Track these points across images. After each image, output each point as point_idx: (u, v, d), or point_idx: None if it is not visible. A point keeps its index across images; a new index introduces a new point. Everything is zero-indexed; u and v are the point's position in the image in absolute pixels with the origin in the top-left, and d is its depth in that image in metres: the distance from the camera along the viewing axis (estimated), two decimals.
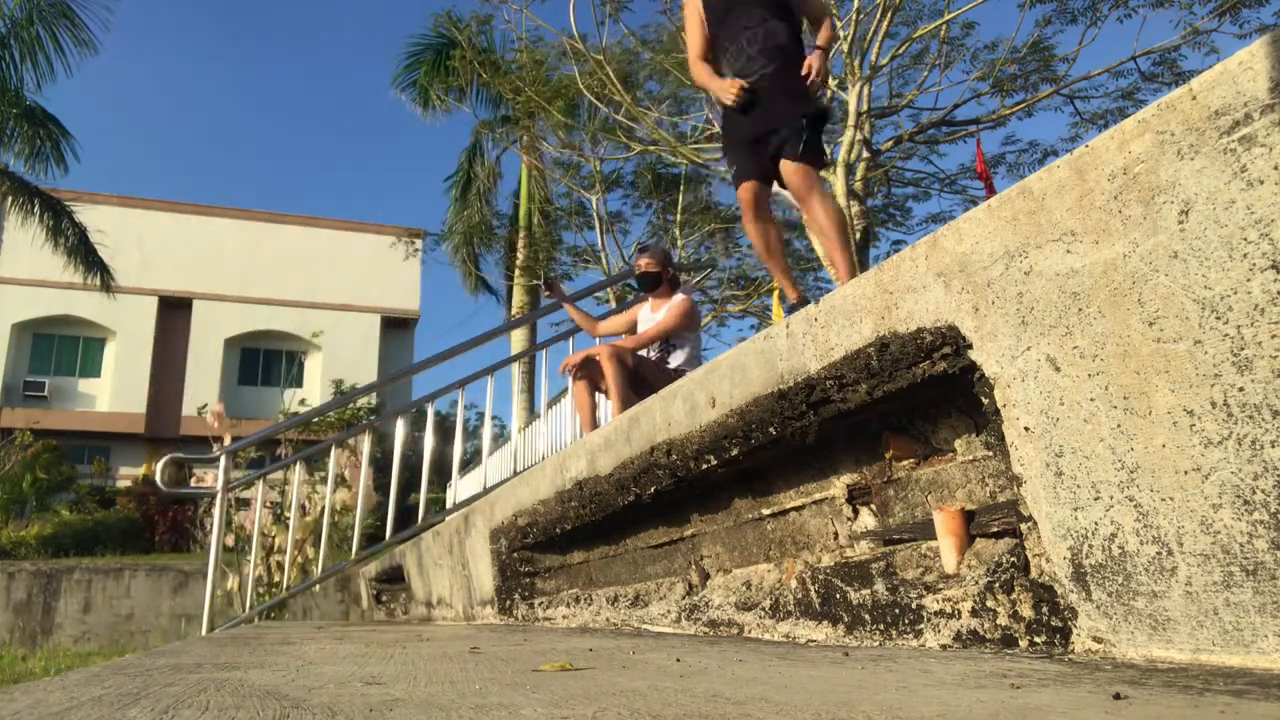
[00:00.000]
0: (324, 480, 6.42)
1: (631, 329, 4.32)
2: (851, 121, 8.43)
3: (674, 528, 2.31)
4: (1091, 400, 1.04)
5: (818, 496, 1.74)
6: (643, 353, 4.12)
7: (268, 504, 6.63)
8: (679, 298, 4.21)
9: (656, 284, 4.29)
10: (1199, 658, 0.92)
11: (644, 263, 4.33)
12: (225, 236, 24.61)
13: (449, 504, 8.92)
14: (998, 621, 1.21)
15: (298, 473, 5.34)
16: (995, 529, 1.29)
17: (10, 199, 14.28)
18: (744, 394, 1.75)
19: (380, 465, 7.15)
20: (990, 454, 1.33)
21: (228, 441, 5.79)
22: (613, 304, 10.98)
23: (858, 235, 8.67)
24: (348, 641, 2.06)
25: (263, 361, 24.63)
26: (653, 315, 4.26)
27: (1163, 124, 0.96)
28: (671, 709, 0.80)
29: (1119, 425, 1.00)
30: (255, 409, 21.02)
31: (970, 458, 1.38)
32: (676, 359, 4.14)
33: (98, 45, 13.85)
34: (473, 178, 15.92)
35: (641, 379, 3.92)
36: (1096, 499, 1.03)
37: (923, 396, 1.41)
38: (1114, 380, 1.01)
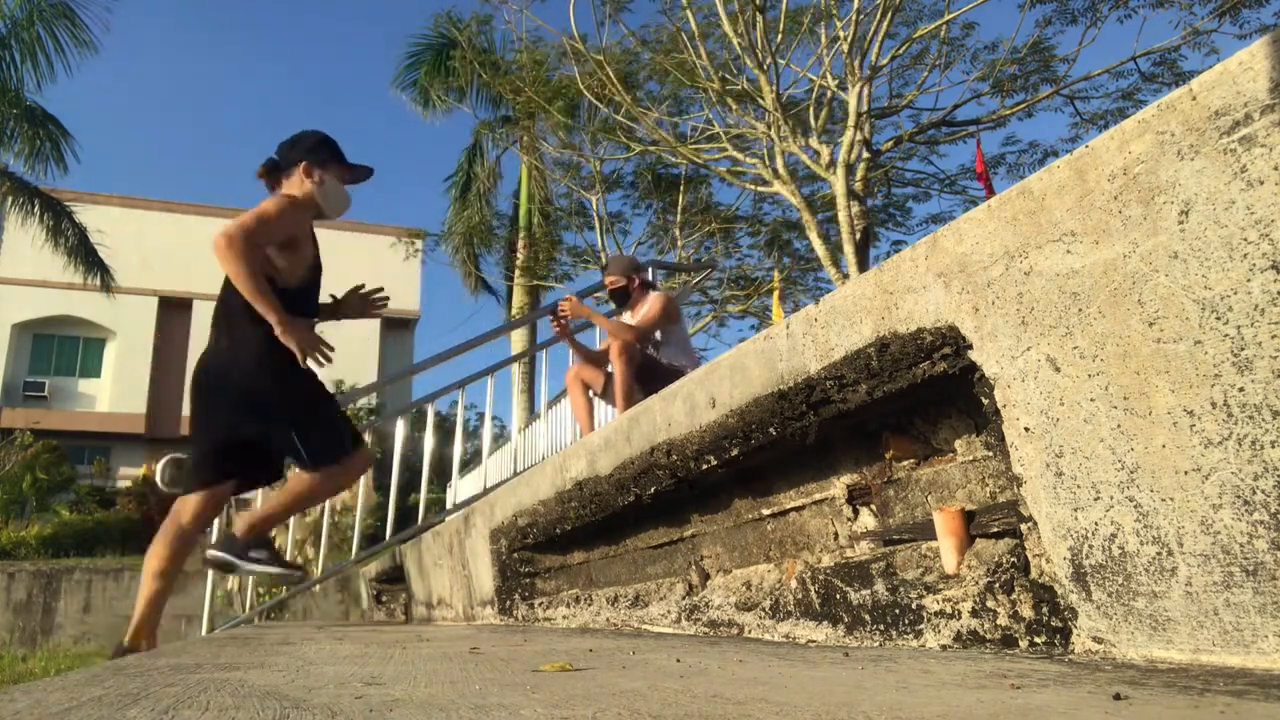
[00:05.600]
0: None
1: None
2: (852, 122, 8.43)
3: (674, 528, 2.31)
4: (1091, 400, 1.04)
5: (818, 497, 1.74)
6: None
7: None
8: (653, 295, 4.27)
9: (625, 297, 4.33)
10: (1199, 658, 0.92)
11: (609, 280, 4.37)
12: None
13: (449, 504, 8.92)
14: (998, 622, 1.21)
15: None
16: (995, 529, 1.29)
17: (10, 199, 14.28)
18: (744, 394, 1.75)
19: (380, 465, 7.15)
20: (990, 454, 1.33)
21: None
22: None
23: (858, 235, 8.67)
24: (348, 642, 2.06)
25: None
26: (632, 320, 4.32)
27: (1163, 124, 0.96)
28: (671, 709, 0.80)
29: (1119, 425, 1.00)
30: None
31: (970, 458, 1.38)
32: (668, 354, 4.18)
33: (98, 45, 13.87)
34: (473, 178, 15.92)
35: (647, 376, 3.94)
36: (1096, 499, 1.03)
37: (923, 397, 1.41)
38: (1114, 380, 1.01)
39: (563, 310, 4.25)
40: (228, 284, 2.78)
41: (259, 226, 2.67)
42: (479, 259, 16.43)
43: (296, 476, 2.91)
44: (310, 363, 2.72)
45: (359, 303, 3.22)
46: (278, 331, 2.64)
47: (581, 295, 6.12)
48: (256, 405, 2.79)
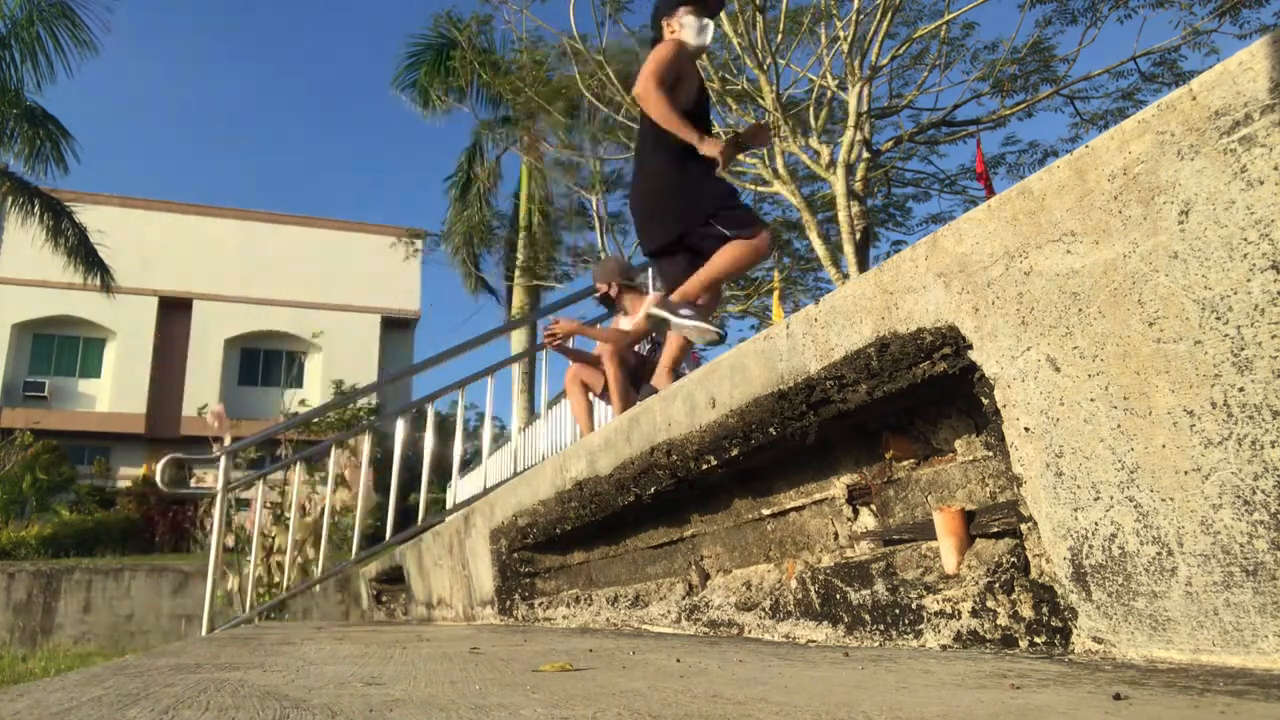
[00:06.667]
0: (324, 480, 6.42)
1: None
2: (851, 122, 8.43)
3: (674, 528, 2.31)
4: (1091, 400, 1.04)
5: (818, 497, 1.74)
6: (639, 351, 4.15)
7: (268, 504, 6.64)
8: (650, 295, 4.26)
9: (611, 303, 4.32)
10: (1199, 658, 0.92)
11: (600, 287, 4.37)
12: (225, 236, 24.60)
13: (449, 504, 8.92)
14: (998, 622, 1.21)
15: (298, 473, 5.34)
16: (995, 529, 1.28)
17: (10, 199, 14.28)
18: (744, 394, 1.75)
19: (380, 465, 7.16)
20: (990, 454, 1.33)
21: (228, 442, 5.79)
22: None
23: (858, 235, 8.67)
24: (348, 642, 2.06)
25: (263, 362, 24.62)
26: (629, 320, 4.30)
27: (1163, 124, 0.96)
28: (671, 709, 0.80)
29: (1119, 425, 1.00)
30: (255, 409, 21.00)
31: (970, 458, 1.38)
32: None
33: (98, 45, 13.86)
34: (473, 178, 15.93)
35: (643, 378, 3.94)
36: (1096, 499, 1.03)
37: (923, 397, 1.41)
38: (1114, 380, 1.01)
39: (553, 330, 4.25)
40: (642, 129, 3.40)
41: (657, 68, 3.24)
42: (479, 259, 16.44)
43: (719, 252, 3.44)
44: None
45: (757, 133, 3.80)
46: (699, 147, 3.17)
47: (580, 296, 6.10)
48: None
